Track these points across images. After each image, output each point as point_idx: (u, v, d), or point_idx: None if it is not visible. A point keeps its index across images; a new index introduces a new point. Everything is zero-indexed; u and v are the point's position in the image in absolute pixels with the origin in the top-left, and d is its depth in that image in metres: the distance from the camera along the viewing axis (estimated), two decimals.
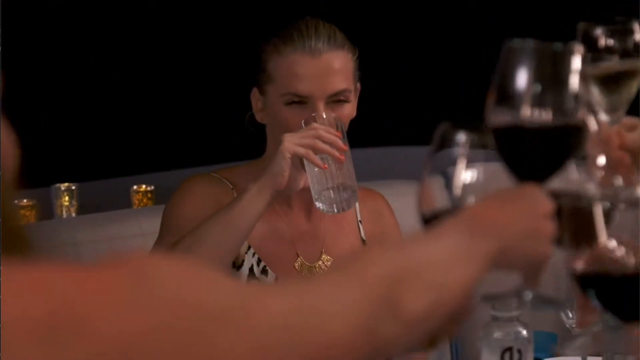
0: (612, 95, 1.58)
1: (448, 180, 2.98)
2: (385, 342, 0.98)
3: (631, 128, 1.66)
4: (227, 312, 0.85)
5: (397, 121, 3.96)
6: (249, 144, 2.38)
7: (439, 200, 1.27)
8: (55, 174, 3.89)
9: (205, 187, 2.27)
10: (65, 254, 2.60)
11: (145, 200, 3.76)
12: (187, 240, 2.07)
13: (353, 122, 2.26)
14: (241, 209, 2.06)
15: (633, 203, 1.57)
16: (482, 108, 1.24)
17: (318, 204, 2.13)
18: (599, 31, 1.58)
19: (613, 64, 1.57)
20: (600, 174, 1.59)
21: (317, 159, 2.09)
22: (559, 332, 2.45)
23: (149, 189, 3.77)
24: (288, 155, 2.07)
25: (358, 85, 2.29)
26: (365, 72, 2.34)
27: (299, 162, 2.11)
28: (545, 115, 1.21)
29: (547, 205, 1.15)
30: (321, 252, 2.33)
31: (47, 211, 3.83)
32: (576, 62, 1.22)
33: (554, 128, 1.21)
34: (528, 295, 1.47)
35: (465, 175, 1.29)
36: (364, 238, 2.39)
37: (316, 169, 2.12)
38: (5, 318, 0.75)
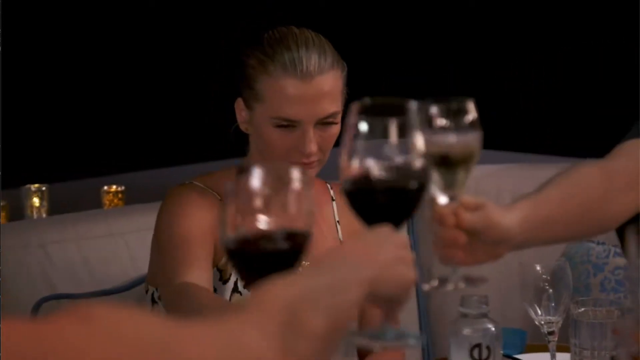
0: (446, 174, 1.57)
1: None
2: (301, 358, 1.15)
3: (474, 208, 1.65)
4: (158, 346, 1.00)
5: None
6: (219, 144, 2.37)
7: None
8: (25, 175, 3.87)
9: (197, 199, 2.22)
10: (34, 255, 2.59)
11: (115, 200, 3.74)
12: None
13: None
14: None
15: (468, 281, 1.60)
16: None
17: None
18: (434, 110, 1.56)
19: (447, 145, 1.55)
20: (440, 251, 1.61)
21: None
22: (527, 329, 2.45)
23: (119, 189, 3.75)
24: None
25: (345, 93, 2.25)
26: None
27: None
28: (388, 172, 1.32)
29: (402, 237, 1.31)
30: None
31: (17, 212, 3.81)
32: (414, 119, 1.32)
33: (397, 184, 1.33)
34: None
35: None
36: (341, 239, 2.38)
37: None
38: None
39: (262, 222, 1.28)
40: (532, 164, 3.40)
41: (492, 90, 3.82)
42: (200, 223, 2.19)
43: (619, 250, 2.97)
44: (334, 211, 2.39)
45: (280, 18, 2.25)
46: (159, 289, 2.24)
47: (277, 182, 1.28)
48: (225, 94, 2.31)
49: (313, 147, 2.15)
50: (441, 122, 1.57)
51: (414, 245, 3.02)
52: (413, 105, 1.32)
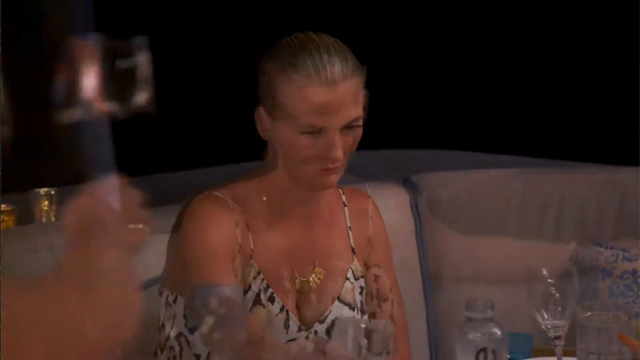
0: None
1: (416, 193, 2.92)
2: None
3: None
4: None
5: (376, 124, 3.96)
6: (225, 149, 2.38)
7: None
8: (34, 179, 3.87)
9: (220, 211, 2.21)
10: (43, 259, 2.60)
11: None
12: None
13: None
14: None
15: None
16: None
17: None
18: None
19: None
20: None
21: None
22: (534, 333, 2.45)
23: None
24: None
25: (365, 96, 2.24)
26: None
27: None
28: (120, 108, 1.30)
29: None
30: (314, 265, 2.30)
31: (26, 216, 3.81)
32: (142, 58, 1.30)
33: (121, 121, 1.31)
34: None
35: None
36: (353, 246, 2.37)
37: None
38: None
39: None
40: (541, 168, 3.40)
41: (498, 93, 3.82)
42: (225, 235, 2.20)
43: (627, 254, 2.97)
44: (345, 217, 2.39)
45: (281, 18, 2.24)
46: (185, 300, 2.25)
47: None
48: (228, 96, 2.31)
49: (339, 153, 2.15)
50: None
51: (421, 248, 3.02)
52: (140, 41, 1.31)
